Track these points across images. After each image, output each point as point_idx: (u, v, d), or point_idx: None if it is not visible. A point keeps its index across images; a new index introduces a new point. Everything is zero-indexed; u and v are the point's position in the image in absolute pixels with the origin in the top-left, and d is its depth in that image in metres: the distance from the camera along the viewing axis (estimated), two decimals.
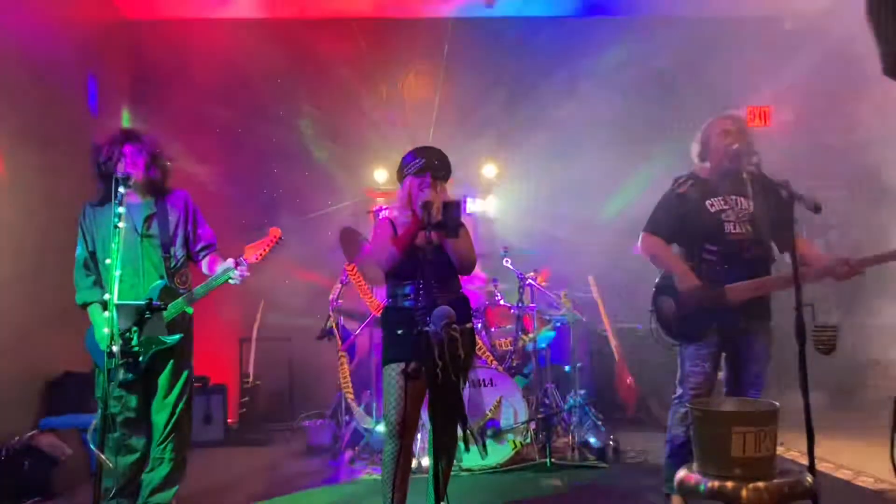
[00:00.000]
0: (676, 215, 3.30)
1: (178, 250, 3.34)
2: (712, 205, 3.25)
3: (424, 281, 2.82)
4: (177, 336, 3.20)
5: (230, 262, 3.21)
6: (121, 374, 3.17)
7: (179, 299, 3.24)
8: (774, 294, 3.25)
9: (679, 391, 3.35)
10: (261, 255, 3.23)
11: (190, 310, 3.33)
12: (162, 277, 3.25)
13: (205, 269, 3.40)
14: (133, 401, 3.21)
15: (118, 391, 3.14)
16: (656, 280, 3.40)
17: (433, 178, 3.03)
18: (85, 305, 3.29)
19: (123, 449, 3.20)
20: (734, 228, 3.21)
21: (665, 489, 3.34)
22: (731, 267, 3.17)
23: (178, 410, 3.26)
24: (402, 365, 2.82)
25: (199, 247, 3.41)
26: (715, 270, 3.19)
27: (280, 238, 3.27)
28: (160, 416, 3.25)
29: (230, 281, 3.22)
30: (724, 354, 3.31)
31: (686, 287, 3.19)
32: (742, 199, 3.27)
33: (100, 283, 3.27)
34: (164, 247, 3.28)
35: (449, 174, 3.13)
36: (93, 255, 3.29)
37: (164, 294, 3.20)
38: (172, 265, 3.30)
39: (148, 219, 3.28)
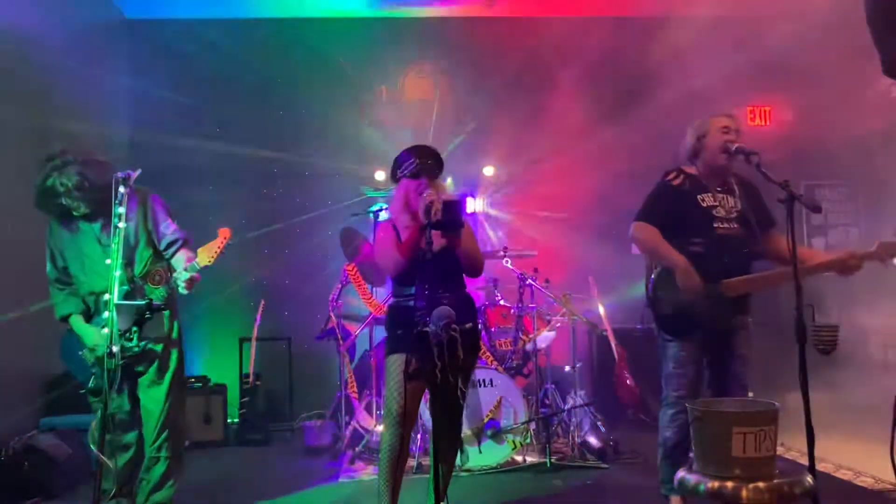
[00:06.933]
0: (669, 207, 3.28)
1: (142, 252, 3.25)
2: (703, 200, 3.26)
3: (428, 281, 2.82)
4: (142, 343, 3.12)
5: (185, 265, 3.10)
6: (91, 382, 3.18)
7: (158, 289, 3.16)
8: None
9: (664, 392, 3.33)
10: (213, 256, 3.06)
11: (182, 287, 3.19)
12: (130, 281, 3.16)
13: (178, 265, 3.28)
14: (122, 401, 3.22)
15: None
16: (653, 275, 3.33)
17: (430, 180, 3.05)
18: (64, 319, 3.26)
19: (118, 448, 3.21)
20: (722, 224, 3.22)
21: (663, 491, 3.33)
22: (716, 262, 3.17)
23: (167, 408, 3.24)
24: (404, 357, 2.84)
25: (163, 244, 3.29)
26: (700, 265, 3.17)
27: (229, 238, 3.09)
28: (152, 415, 3.24)
29: (178, 289, 3.08)
30: (704, 360, 3.28)
31: (688, 283, 3.16)
32: (730, 196, 3.29)
33: (74, 294, 3.25)
34: (123, 254, 3.10)
35: (442, 170, 3.16)
36: (64, 270, 3.26)
37: (126, 300, 3.08)
38: (139, 270, 3.23)
39: (104, 228, 3.19)
